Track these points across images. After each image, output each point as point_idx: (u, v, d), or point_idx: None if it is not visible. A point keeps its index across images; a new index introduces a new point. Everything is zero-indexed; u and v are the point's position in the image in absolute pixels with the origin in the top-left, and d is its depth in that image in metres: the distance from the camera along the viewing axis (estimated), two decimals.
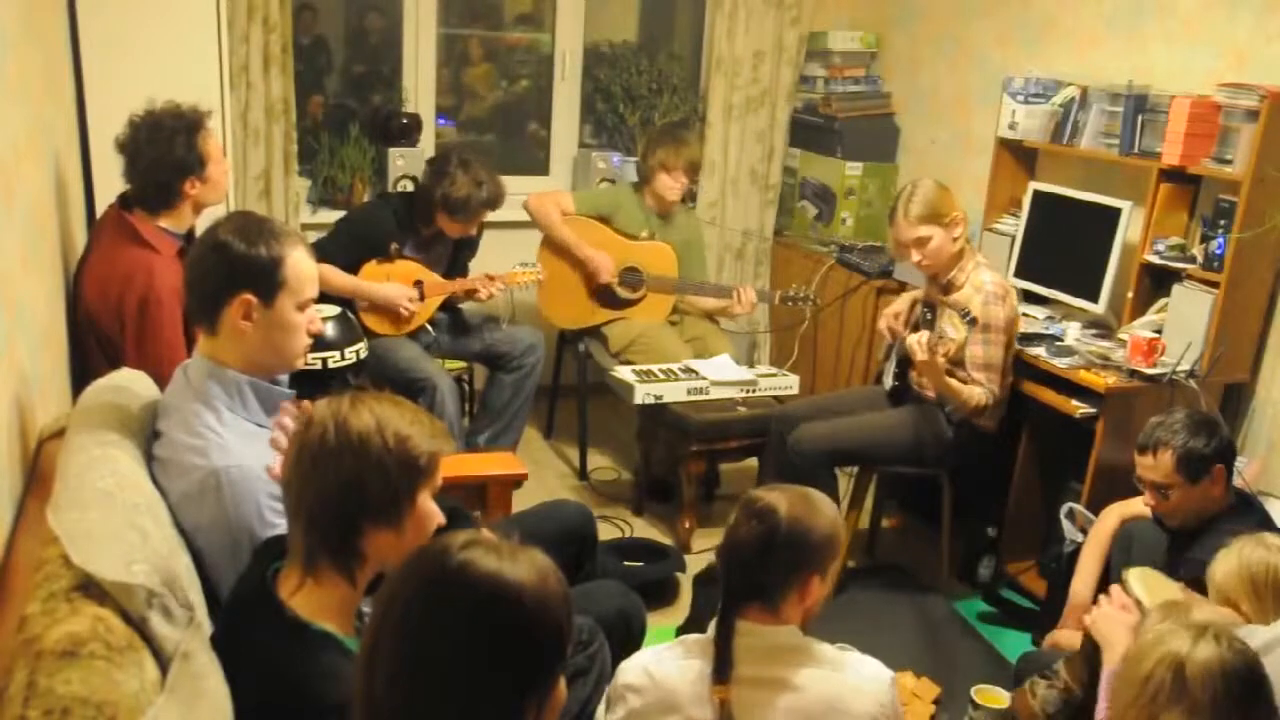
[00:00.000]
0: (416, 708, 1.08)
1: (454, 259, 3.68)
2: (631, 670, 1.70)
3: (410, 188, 3.95)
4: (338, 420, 1.41)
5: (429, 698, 1.08)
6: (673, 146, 3.77)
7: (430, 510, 1.48)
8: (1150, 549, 2.51)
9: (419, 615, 1.10)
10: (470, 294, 3.63)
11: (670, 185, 3.80)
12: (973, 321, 2.87)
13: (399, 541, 1.43)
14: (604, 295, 3.89)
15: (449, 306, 3.72)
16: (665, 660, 1.69)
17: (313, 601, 1.40)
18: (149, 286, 2.26)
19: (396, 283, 3.48)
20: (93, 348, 2.34)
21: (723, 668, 1.62)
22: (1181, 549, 2.39)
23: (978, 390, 2.92)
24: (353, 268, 3.43)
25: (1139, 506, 2.57)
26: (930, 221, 2.97)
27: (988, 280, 2.98)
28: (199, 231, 2.46)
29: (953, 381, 2.87)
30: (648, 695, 1.66)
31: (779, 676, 1.62)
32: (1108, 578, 2.62)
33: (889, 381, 3.26)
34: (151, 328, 2.26)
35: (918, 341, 2.78)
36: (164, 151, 2.33)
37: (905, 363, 3.19)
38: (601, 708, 1.78)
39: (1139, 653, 1.52)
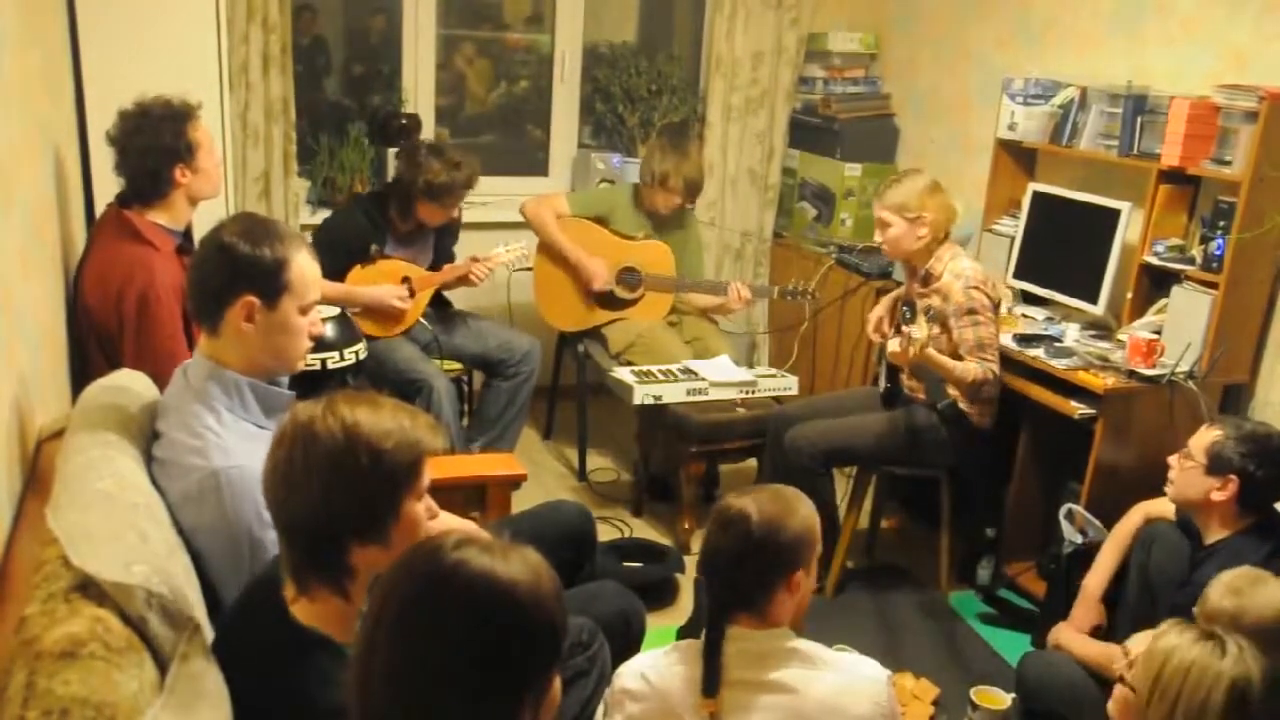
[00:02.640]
0: (411, 707, 1.08)
1: (438, 248, 3.68)
2: (629, 675, 1.70)
3: None
4: (306, 440, 1.36)
5: (423, 697, 1.08)
6: (675, 165, 3.74)
7: (417, 516, 1.44)
8: (1171, 552, 2.49)
9: (413, 615, 1.10)
10: (461, 280, 3.62)
11: (664, 202, 3.81)
12: (934, 317, 2.91)
13: (388, 554, 1.38)
14: (602, 296, 3.89)
15: (439, 302, 3.71)
16: (662, 665, 1.69)
17: (310, 613, 1.39)
18: (148, 284, 2.26)
19: (385, 284, 3.48)
20: (92, 348, 2.33)
21: (711, 681, 1.61)
22: (1200, 563, 2.38)
23: (970, 364, 2.93)
24: (335, 275, 3.40)
25: (1164, 506, 2.57)
26: (895, 211, 3.02)
27: (966, 267, 3.01)
28: (197, 230, 2.48)
29: (944, 359, 2.88)
30: (645, 701, 1.66)
31: (773, 679, 1.62)
32: (1123, 576, 2.62)
33: (881, 385, 3.27)
34: (150, 325, 2.26)
35: (896, 343, 2.80)
36: (152, 139, 2.34)
37: (894, 366, 3.20)
38: (600, 712, 1.78)
39: (1190, 678, 1.50)
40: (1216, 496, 2.35)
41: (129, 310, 2.26)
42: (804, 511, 1.70)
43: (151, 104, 2.38)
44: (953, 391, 3.01)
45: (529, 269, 3.87)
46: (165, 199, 2.40)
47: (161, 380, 1.87)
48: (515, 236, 3.91)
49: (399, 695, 1.08)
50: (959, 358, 2.95)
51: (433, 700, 1.08)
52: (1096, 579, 2.63)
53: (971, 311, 2.95)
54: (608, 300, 3.90)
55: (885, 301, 3.36)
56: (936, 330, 2.94)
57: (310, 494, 1.35)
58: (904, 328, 2.79)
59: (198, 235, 2.10)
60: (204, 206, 2.53)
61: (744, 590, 1.66)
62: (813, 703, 1.61)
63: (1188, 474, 2.41)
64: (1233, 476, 2.33)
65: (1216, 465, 2.35)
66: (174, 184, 2.39)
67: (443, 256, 3.69)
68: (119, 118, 2.37)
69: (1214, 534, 2.39)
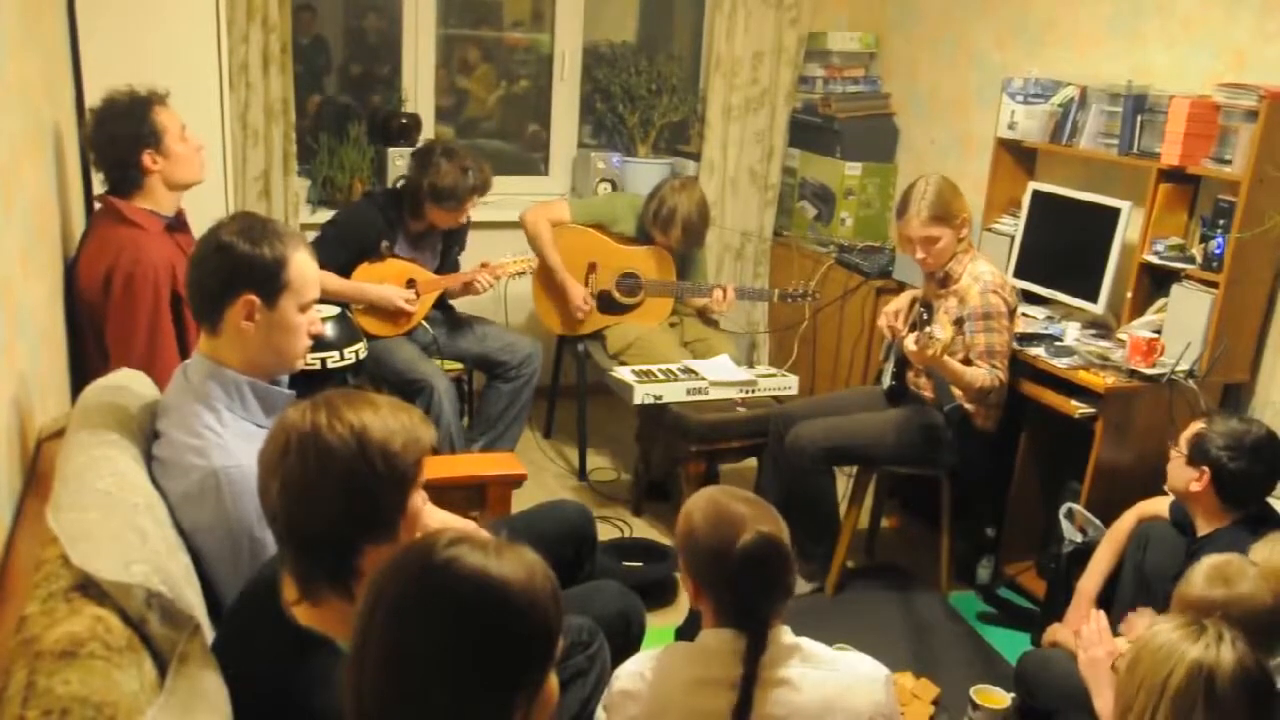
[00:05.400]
0: (404, 704, 1.08)
1: (444, 254, 3.68)
2: (626, 677, 1.69)
3: None
4: (319, 450, 1.34)
5: (415, 694, 1.08)
6: (680, 214, 3.74)
7: (418, 508, 1.45)
8: (1166, 551, 2.50)
9: (404, 612, 1.09)
10: (466, 287, 3.62)
11: (663, 242, 3.85)
12: (959, 322, 2.89)
13: (394, 550, 1.36)
14: (602, 301, 3.90)
15: (443, 305, 3.71)
16: (660, 667, 1.68)
17: (312, 616, 1.39)
18: (135, 261, 2.27)
19: (390, 284, 3.48)
20: (90, 344, 2.34)
21: (745, 710, 1.59)
22: (1193, 554, 2.38)
23: (980, 371, 2.92)
24: (344, 270, 3.42)
25: (1158, 506, 2.59)
26: (941, 222, 2.98)
27: (985, 270, 3.00)
28: (190, 219, 2.49)
29: (954, 363, 2.87)
30: (644, 702, 1.65)
31: (777, 676, 1.62)
32: (1118, 577, 2.62)
33: (887, 381, 3.26)
34: (132, 302, 2.26)
35: (914, 340, 2.78)
36: (116, 128, 2.35)
37: (903, 363, 3.19)
38: (601, 713, 1.78)
39: (1157, 658, 1.52)
40: (1194, 487, 2.39)
41: (116, 289, 2.26)
42: (763, 502, 1.71)
43: (115, 95, 2.39)
44: (959, 394, 3.01)
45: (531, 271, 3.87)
46: (142, 188, 2.40)
47: (138, 361, 1.86)
48: (515, 236, 3.91)
49: (389, 691, 1.08)
50: (968, 361, 2.95)
51: (422, 696, 1.08)
52: (1091, 581, 2.64)
53: (987, 316, 2.94)
54: (608, 305, 3.90)
55: (903, 297, 3.33)
56: (956, 332, 2.93)
57: (327, 504, 1.35)
58: (925, 328, 2.78)
59: (196, 234, 2.11)
60: (204, 208, 2.52)
61: (778, 606, 1.65)
62: (813, 700, 1.61)
63: (1173, 464, 2.46)
64: (1205, 468, 2.36)
65: (1195, 455, 2.39)
66: (145, 170, 2.38)
67: (447, 264, 3.69)
68: (88, 115, 2.39)
69: (1204, 526, 2.42)
